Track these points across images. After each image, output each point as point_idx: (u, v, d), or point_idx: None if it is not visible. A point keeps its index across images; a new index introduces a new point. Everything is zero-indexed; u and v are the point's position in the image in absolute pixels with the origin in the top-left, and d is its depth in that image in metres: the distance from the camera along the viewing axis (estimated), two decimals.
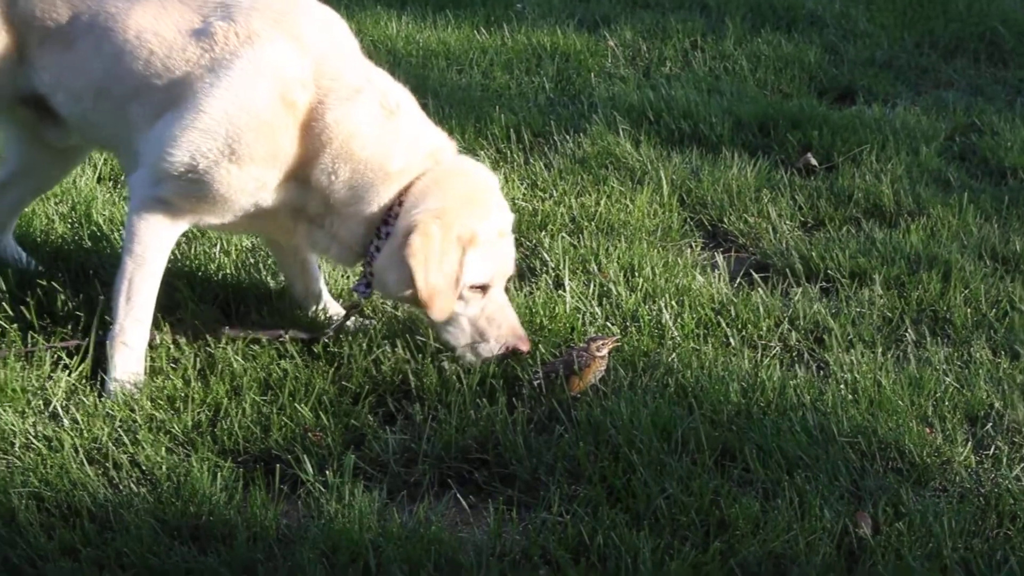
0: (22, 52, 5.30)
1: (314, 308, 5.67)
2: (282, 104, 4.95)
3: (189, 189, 4.99)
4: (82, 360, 5.15)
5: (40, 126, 5.55)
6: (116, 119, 5.20)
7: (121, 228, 6.08)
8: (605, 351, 5.20)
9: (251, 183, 4.99)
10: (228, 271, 5.94)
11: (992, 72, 9.06)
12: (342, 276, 5.97)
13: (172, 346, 5.29)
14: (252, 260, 6.04)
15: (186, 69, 5.01)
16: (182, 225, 5.19)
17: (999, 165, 7.40)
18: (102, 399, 5.00)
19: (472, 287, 5.09)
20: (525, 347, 5.23)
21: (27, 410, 4.93)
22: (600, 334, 5.42)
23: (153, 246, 5.13)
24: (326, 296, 5.71)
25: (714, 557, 4.30)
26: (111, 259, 5.80)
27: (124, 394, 5.01)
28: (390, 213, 5.03)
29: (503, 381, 5.16)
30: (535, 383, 5.15)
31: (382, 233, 5.04)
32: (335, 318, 5.62)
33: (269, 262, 5.97)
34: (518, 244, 6.18)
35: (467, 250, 5.01)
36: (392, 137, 5.05)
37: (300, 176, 5.02)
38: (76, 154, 5.94)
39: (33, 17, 5.24)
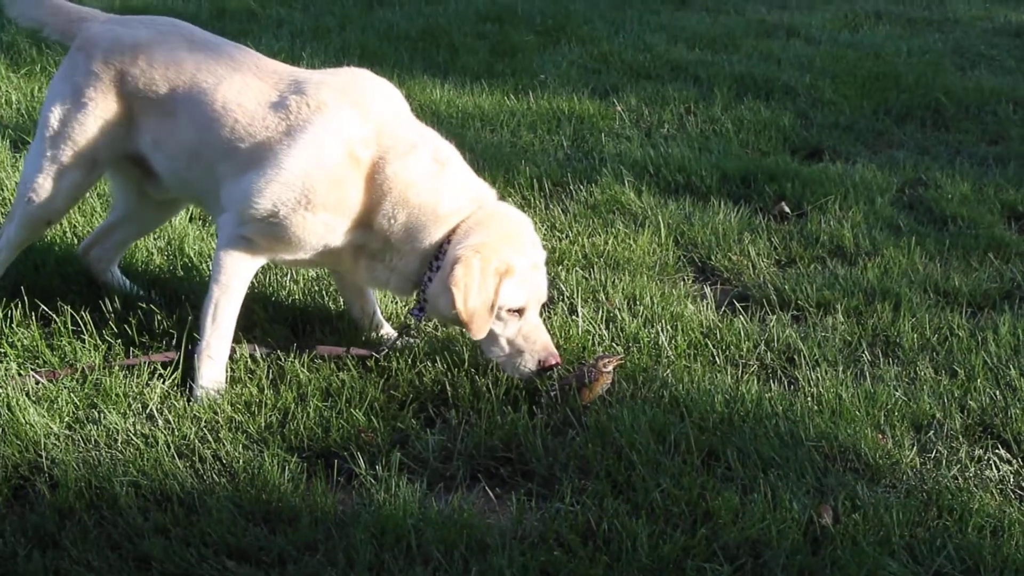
0: (130, 118, 5.33)
1: (369, 328, 5.66)
2: (349, 160, 4.99)
3: (269, 231, 5.03)
4: (174, 371, 5.15)
5: (143, 181, 5.58)
6: (206, 177, 5.24)
7: (208, 260, 6.09)
8: (611, 367, 5.20)
9: (322, 227, 5.02)
10: (297, 297, 5.94)
11: (936, 135, 9.01)
12: (392, 302, 5.95)
13: (249, 359, 5.28)
14: (317, 288, 6.04)
15: (266, 135, 5.05)
16: (260, 260, 5.22)
17: (942, 213, 7.35)
18: (190, 403, 5.01)
19: (509, 310, 5.09)
20: (556, 361, 5.18)
21: (128, 412, 4.94)
22: (606, 353, 5.39)
23: (236, 276, 5.15)
24: (380, 318, 5.70)
25: (700, 541, 4.28)
26: (200, 286, 5.79)
27: (208, 399, 5.01)
28: (441, 249, 5.06)
29: (525, 392, 5.15)
30: (552, 394, 5.13)
31: (434, 266, 5.06)
32: (387, 337, 5.61)
33: (331, 289, 5.96)
34: None
35: (503, 279, 5.00)
36: (441, 185, 5.08)
37: (364, 222, 5.04)
38: (173, 206, 6.00)
39: (138, 90, 5.28)
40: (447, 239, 5.07)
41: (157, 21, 5.61)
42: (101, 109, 5.32)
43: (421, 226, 5.05)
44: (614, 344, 5.60)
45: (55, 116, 5.37)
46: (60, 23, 5.54)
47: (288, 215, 4.98)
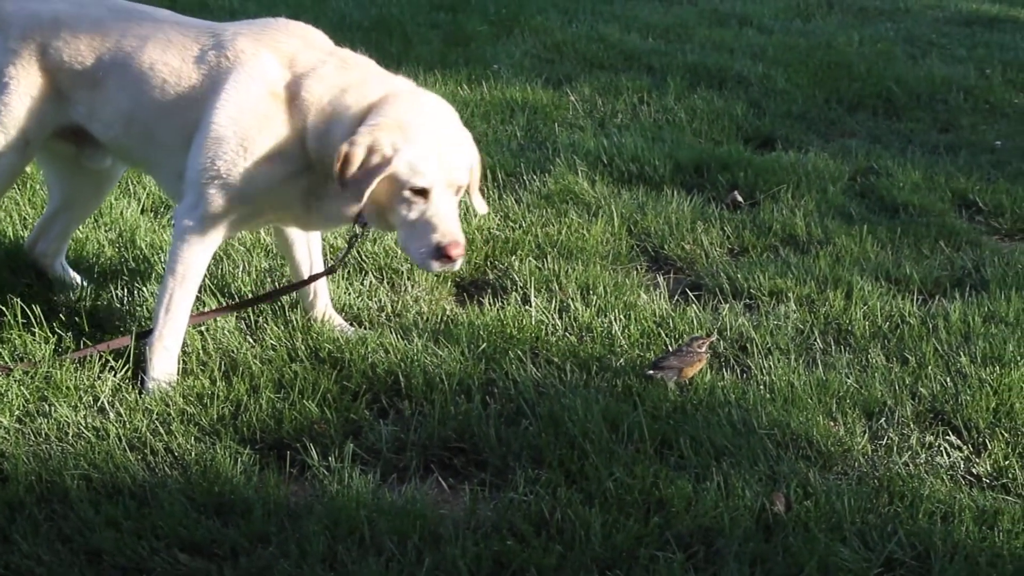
0: (58, 91, 5.27)
1: (318, 309, 5.64)
2: (270, 98, 4.94)
3: (221, 194, 4.96)
4: (126, 363, 5.13)
5: (79, 154, 5.53)
6: (145, 141, 5.22)
7: (160, 252, 6.05)
8: (705, 347, 5.27)
9: (266, 173, 4.95)
10: (249, 289, 5.91)
11: (887, 124, 9.07)
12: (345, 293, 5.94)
13: (201, 351, 5.26)
14: (270, 280, 6.01)
15: (193, 92, 5.04)
16: (214, 244, 5.17)
17: (893, 202, 7.40)
18: (142, 395, 4.98)
19: (412, 190, 4.80)
20: (454, 251, 4.79)
21: (79, 405, 4.90)
22: (698, 334, 5.47)
23: (191, 266, 5.11)
24: (329, 304, 5.69)
25: (653, 530, 4.29)
26: (151, 278, 5.77)
27: (160, 391, 4.99)
28: None
29: (479, 382, 5.14)
30: (647, 374, 5.17)
31: None
32: (338, 326, 5.59)
33: (283, 281, 5.94)
34: (492, 266, 6.20)
35: (392, 156, 4.74)
36: (348, 80, 4.96)
37: (302, 156, 4.95)
38: (110, 178, 5.91)
39: (63, 62, 5.23)
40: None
41: None
42: (25, 86, 5.26)
43: (340, 128, 4.86)
44: (567, 333, 5.60)
45: None
46: None
47: (229, 169, 4.92)
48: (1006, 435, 4.95)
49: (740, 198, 7.40)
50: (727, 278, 6.24)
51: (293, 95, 4.96)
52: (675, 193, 7.35)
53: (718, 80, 9.89)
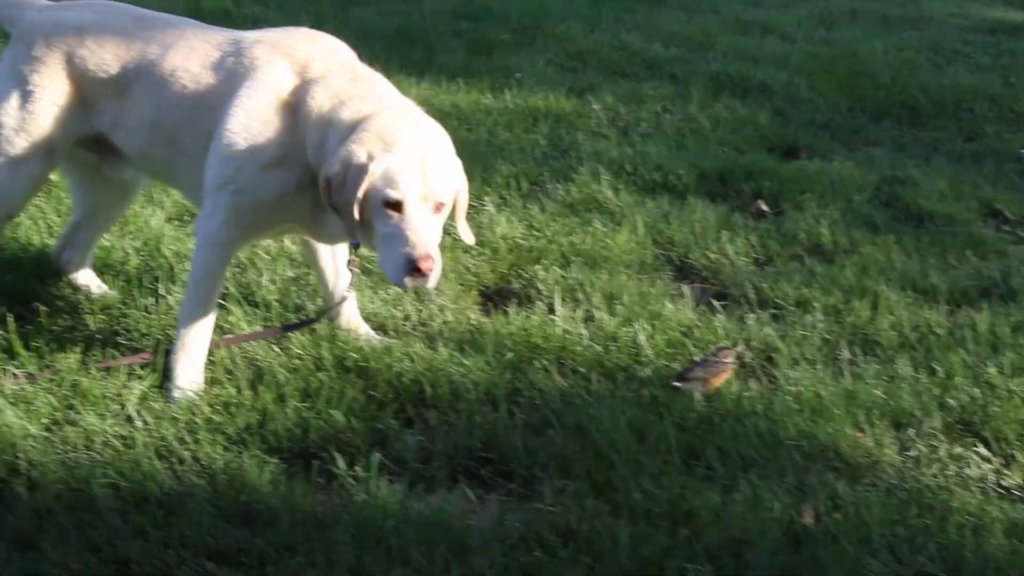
0: (83, 99, 5.29)
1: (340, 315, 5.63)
2: (279, 105, 4.93)
3: (235, 201, 4.98)
4: (152, 372, 5.13)
5: (101, 163, 5.54)
6: (168, 149, 5.23)
7: (186, 260, 6.05)
8: (731, 358, 5.26)
9: (275, 180, 4.95)
10: (275, 298, 5.90)
11: (912, 133, 9.04)
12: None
13: (227, 360, 5.26)
14: (295, 288, 6.01)
15: (211, 98, 5.04)
16: (233, 251, 5.24)
17: (918, 211, 7.38)
18: (169, 404, 4.98)
19: (386, 203, 4.67)
20: (424, 263, 4.63)
21: (106, 413, 4.91)
22: (723, 345, 5.47)
23: (211, 274, 5.13)
24: (355, 308, 5.68)
25: (681, 542, 4.28)
26: (178, 286, 5.78)
27: (186, 400, 4.99)
28: None
29: (505, 392, 5.13)
30: (674, 385, 5.16)
31: None
32: (364, 334, 5.59)
33: (309, 289, 5.94)
34: (517, 275, 6.19)
35: (367, 172, 4.66)
36: (349, 94, 4.90)
37: (306, 163, 4.92)
38: (132, 187, 5.92)
39: (88, 71, 5.25)
40: None
41: (98, 3, 5.58)
42: (50, 94, 5.28)
43: (331, 141, 4.82)
44: (593, 343, 5.58)
45: (3, 110, 5.31)
46: (1, 6, 5.47)
47: (239, 176, 4.93)
48: None
49: (765, 207, 7.38)
50: (752, 287, 6.23)
51: (299, 101, 4.95)
52: (699, 202, 7.34)
53: (742, 89, 9.88)
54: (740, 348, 5.49)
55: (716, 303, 6.10)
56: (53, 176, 6.82)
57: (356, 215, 4.70)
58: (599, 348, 5.56)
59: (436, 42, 10.88)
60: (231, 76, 5.04)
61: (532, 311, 5.86)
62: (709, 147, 8.40)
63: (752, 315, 5.95)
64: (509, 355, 5.40)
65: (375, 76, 5.13)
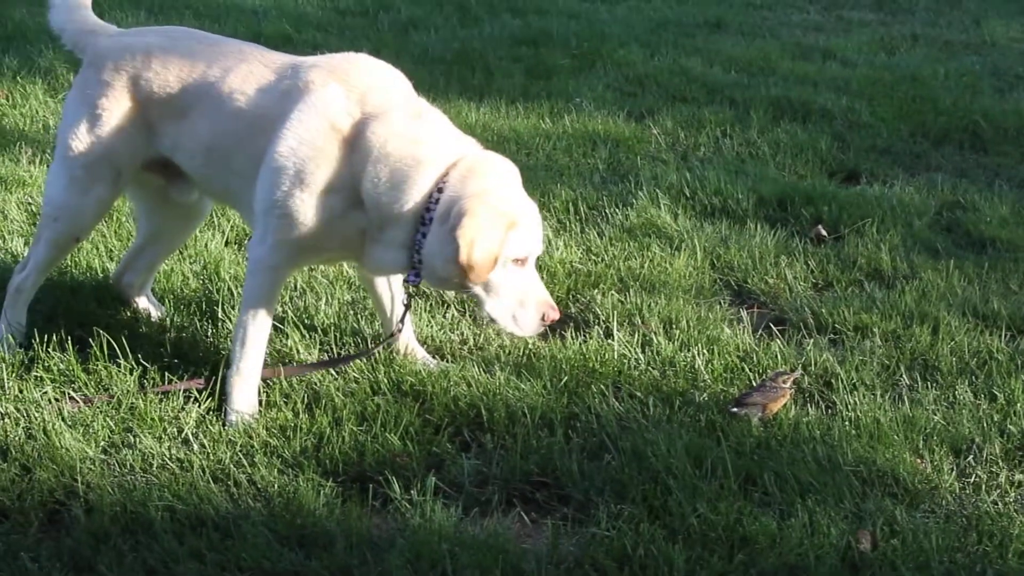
0: (147, 123, 5.35)
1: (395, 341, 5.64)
2: (331, 132, 4.95)
3: (282, 225, 4.99)
4: (209, 395, 5.16)
5: (168, 187, 5.59)
6: (225, 171, 5.27)
7: (243, 284, 6.09)
8: (789, 383, 5.25)
9: (321, 207, 4.96)
10: (332, 321, 5.92)
11: (974, 158, 8.98)
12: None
13: (284, 383, 5.28)
14: (352, 312, 6.03)
15: (265, 121, 5.05)
16: (284, 275, 5.30)
17: (980, 237, 7.32)
18: (225, 428, 5.01)
19: (514, 260, 4.94)
20: (557, 315, 5.08)
21: (163, 436, 4.94)
22: (782, 370, 5.45)
23: (263, 297, 5.16)
24: (410, 335, 5.69)
25: (738, 567, 4.27)
26: (236, 310, 5.80)
27: (243, 423, 5.01)
28: (431, 201, 4.90)
29: (561, 416, 5.13)
30: (731, 411, 5.15)
31: (426, 220, 4.91)
32: (416, 354, 5.62)
33: (366, 313, 5.96)
34: (574, 300, 6.20)
35: (510, 229, 4.88)
36: (419, 133, 4.96)
37: (357, 195, 4.96)
38: (198, 212, 5.96)
39: (153, 93, 5.31)
40: (435, 190, 4.90)
41: (167, 29, 5.71)
42: (117, 118, 5.35)
43: (404, 178, 4.89)
44: (650, 368, 5.57)
45: (73, 133, 5.38)
46: (75, 34, 5.55)
47: (287, 200, 4.95)
48: None
49: (824, 232, 7.35)
50: (811, 312, 6.20)
51: (357, 133, 4.95)
52: (758, 227, 7.31)
53: (802, 113, 9.83)
54: (798, 373, 5.46)
55: (774, 328, 6.08)
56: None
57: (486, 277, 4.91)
58: (656, 373, 5.55)
59: (495, 67, 10.90)
60: (284, 98, 5.07)
61: (589, 336, 5.85)
62: (769, 172, 8.37)
63: (811, 340, 5.92)
64: (565, 379, 5.40)
65: (436, 113, 5.16)
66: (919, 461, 4.94)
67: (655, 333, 5.88)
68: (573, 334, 5.87)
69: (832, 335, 6.04)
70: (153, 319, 5.87)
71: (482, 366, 5.54)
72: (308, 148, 4.94)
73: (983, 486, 4.82)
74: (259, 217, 5.08)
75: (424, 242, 4.92)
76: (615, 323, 5.95)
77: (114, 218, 6.86)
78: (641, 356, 5.68)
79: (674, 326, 5.98)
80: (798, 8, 14.51)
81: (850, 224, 7.40)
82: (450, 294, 6.03)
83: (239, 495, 4.61)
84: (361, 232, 5.04)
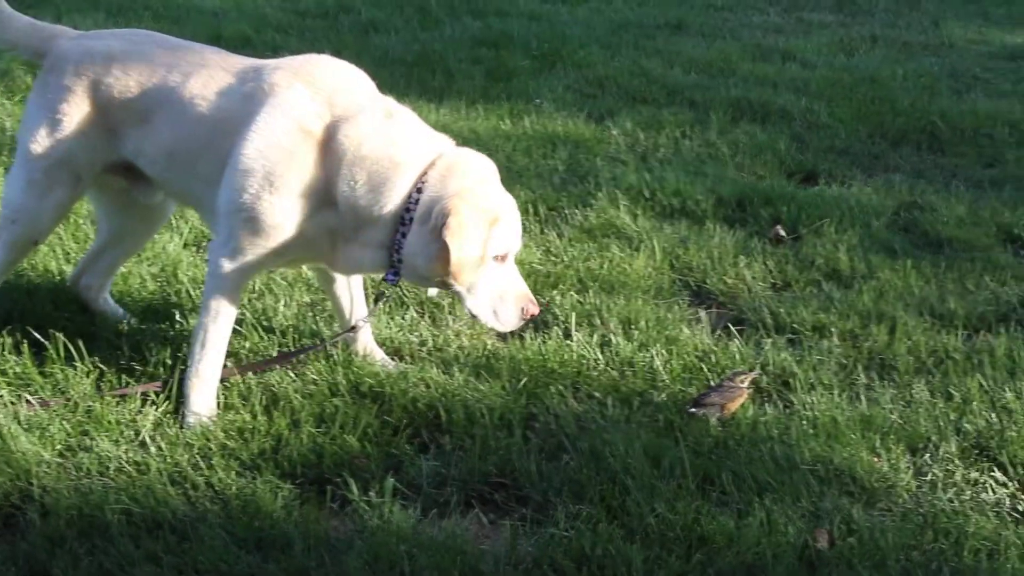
0: (108, 127, 5.31)
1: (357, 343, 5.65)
2: (300, 134, 4.92)
3: (248, 227, 4.95)
4: (167, 398, 5.14)
5: (131, 189, 5.55)
6: (186, 175, 5.23)
7: (202, 287, 6.06)
8: (747, 383, 5.26)
9: (291, 210, 4.93)
10: (290, 323, 5.91)
11: (932, 158, 9.02)
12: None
13: (242, 385, 5.27)
14: (311, 314, 6.02)
15: (228, 124, 5.02)
16: (246, 278, 5.22)
17: (937, 236, 7.36)
18: (183, 430, 4.99)
19: (495, 257, 4.99)
20: (536, 310, 5.12)
21: (120, 439, 4.92)
22: (740, 369, 5.47)
23: (224, 300, 5.12)
24: (368, 334, 5.70)
25: (695, 567, 4.28)
26: (194, 312, 5.78)
27: (200, 426, 4.99)
28: (409, 202, 4.90)
29: (520, 417, 5.13)
30: (689, 411, 5.15)
31: (405, 220, 4.91)
32: (375, 356, 5.63)
33: (325, 315, 5.95)
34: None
35: (492, 226, 4.92)
36: (393, 133, 4.96)
37: (329, 198, 4.94)
38: (159, 213, 5.91)
39: (114, 98, 5.27)
40: (415, 190, 4.92)
41: (129, 32, 5.66)
42: (78, 122, 5.30)
43: (383, 180, 4.89)
44: (609, 368, 5.58)
45: (33, 136, 5.34)
46: (32, 42, 5.48)
47: (254, 203, 4.90)
48: None
49: (783, 232, 7.37)
50: (769, 312, 6.22)
51: (328, 137, 4.93)
52: (717, 227, 7.33)
53: (761, 115, 9.86)
54: (756, 373, 5.47)
55: (733, 328, 6.10)
56: None
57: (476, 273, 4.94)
58: (615, 373, 5.55)
59: (455, 68, 10.89)
60: (248, 101, 5.03)
61: (548, 336, 5.85)
62: (728, 172, 8.40)
63: (769, 340, 5.94)
64: (524, 380, 5.40)
65: (407, 112, 5.16)
66: (876, 460, 4.96)
67: (614, 333, 5.88)
68: (532, 335, 5.86)
69: (790, 335, 6.06)
70: (111, 321, 5.83)
71: (441, 367, 5.53)
72: (276, 150, 4.91)
73: (939, 484, 4.84)
74: (223, 219, 5.03)
75: (404, 242, 4.92)
76: (574, 324, 5.95)
77: (71, 220, 6.82)
78: (600, 356, 5.69)
79: (633, 326, 5.98)
80: (758, 10, 14.58)
81: (808, 224, 7.42)
82: (425, 292, 5.98)
83: (196, 498, 4.58)
84: (330, 234, 5.02)
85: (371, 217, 4.93)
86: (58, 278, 6.19)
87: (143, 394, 5.16)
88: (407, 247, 4.93)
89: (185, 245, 6.74)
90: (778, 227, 7.42)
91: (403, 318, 6.02)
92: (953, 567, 4.32)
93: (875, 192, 8.09)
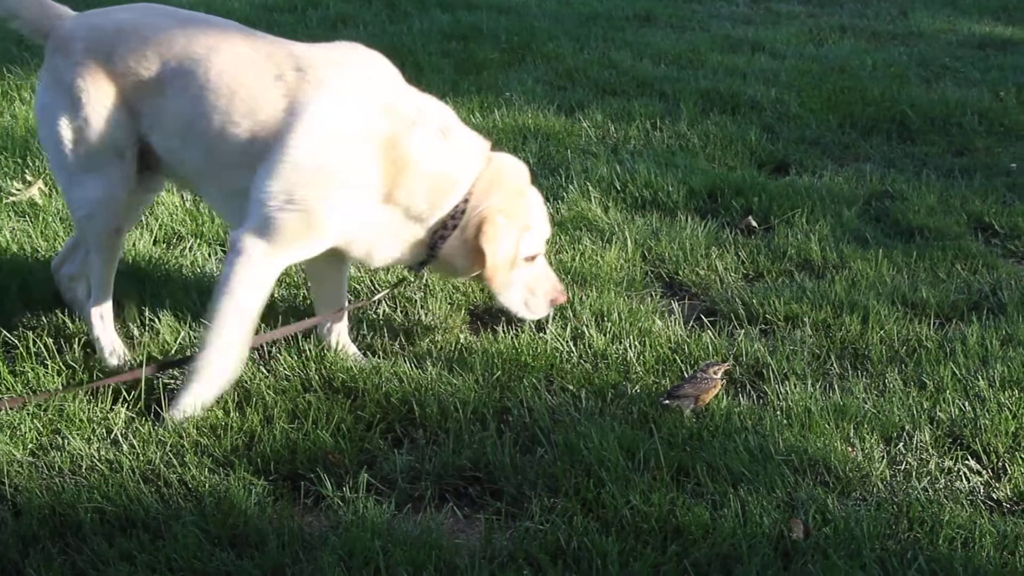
0: (126, 101, 5.21)
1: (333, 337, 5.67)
2: (361, 136, 4.95)
3: (297, 222, 4.92)
4: (138, 398, 5.11)
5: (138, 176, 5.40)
6: (201, 152, 5.12)
7: (170, 283, 6.03)
8: (720, 373, 5.30)
9: (346, 207, 4.99)
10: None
11: (902, 148, 9.03)
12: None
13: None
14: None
15: (267, 113, 4.96)
16: (279, 271, 5.12)
17: (908, 225, 7.37)
18: (171, 413, 4.98)
19: (525, 259, 5.38)
20: (564, 299, 5.59)
21: (92, 437, 4.89)
22: (712, 361, 5.50)
23: (254, 290, 5.04)
24: (342, 329, 5.73)
25: (671, 558, 4.27)
26: (168, 307, 5.76)
27: (185, 416, 4.98)
28: (456, 211, 5.17)
29: (494, 410, 5.12)
30: (663, 403, 5.18)
31: (448, 226, 5.18)
32: (348, 350, 5.65)
33: (305, 303, 5.94)
34: None
35: (523, 234, 5.28)
36: (452, 152, 5.14)
37: (385, 198, 5.04)
38: (140, 205, 5.73)
39: (129, 70, 5.16)
40: (462, 201, 5.17)
41: (138, 5, 5.51)
42: (100, 97, 5.18)
43: (440, 194, 5.12)
44: (582, 361, 5.58)
45: (59, 126, 5.22)
46: (35, 17, 5.34)
47: (307, 198, 4.88)
48: None
49: (754, 223, 7.37)
50: (742, 303, 6.22)
51: (390, 146, 4.96)
52: (689, 219, 7.33)
53: (731, 105, 9.86)
54: (729, 363, 5.48)
55: (706, 319, 6.10)
56: (39, 200, 6.85)
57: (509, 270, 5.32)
58: (588, 366, 5.55)
59: (425, 62, 10.86)
60: (294, 92, 4.97)
61: (521, 329, 5.85)
62: (699, 164, 8.39)
63: (741, 331, 5.95)
64: (498, 374, 5.40)
65: (450, 118, 5.30)
66: (850, 449, 4.97)
67: (587, 326, 5.88)
68: (505, 328, 5.86)
69: (763, 325, 6.06)
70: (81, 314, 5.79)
71: (414, 362, 5.52)
72: (337, 147, 4.92)
73: (913, 473, 4.85)
74: (260, 207, 4.91)
75: (443, 244, 5.22)
76: (547, 316, 5.94)
77: (40, 218, 6.79)
78: (573, 349, 5.69)
79: (606, 319, 5.98)
80: (727, 1, 14.58)
81: (780, 215, 7.43)
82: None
83: (170, 495, 4.57)
84: (376, 229, 5.12)
85: (420, 220, 5.17)
86: (26, 277, 6.14)
87: (115, 393, 5.13)
88: (446, 248, 5.23)
89: (155, 242, 6.70)
90: (750, 218, 7.43)
91: (375, 313, 6.00)
92: (928, 555, 4.32)
93: (846, 182, 8.10)
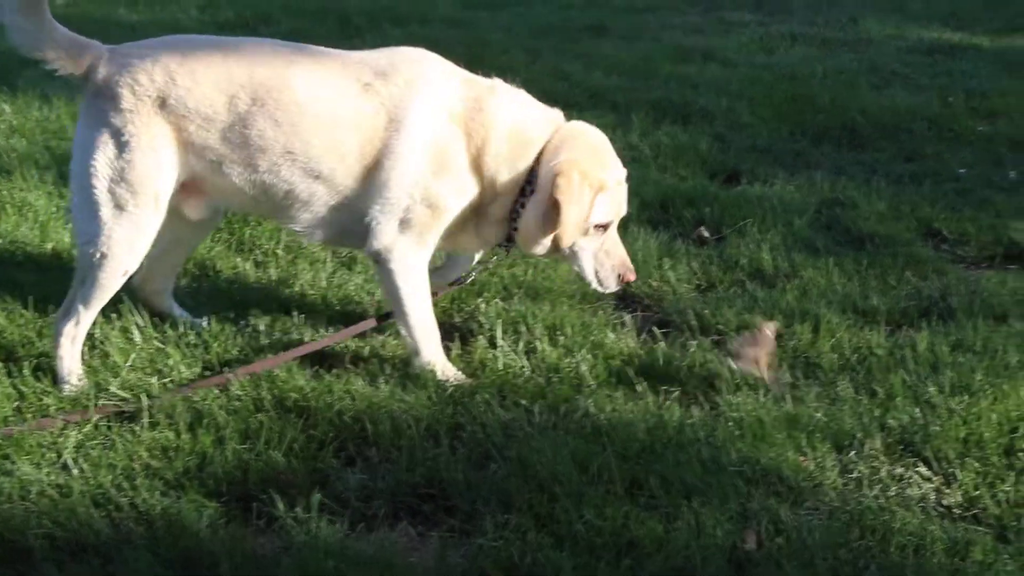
0: (183, 141, 5.27)
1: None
2: (450, 120, 5.39)
3: (428, 213, 5.39)
4: (86, 422, 5.08)
5: (181, 206, 5.48)
6: (301, 176, 5.35)
7: (119, 304, 5.99)
8: (773, 332, 5.68)
9: (462, 188, 5.45)
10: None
11: (852, 155, 9.08)
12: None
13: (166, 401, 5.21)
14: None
15: (367, 123, 5.31)
16: (429, 250, 5.58)
17: (858, 232, 7.40)
18: (105, 451, 4.93)
19: (596, 226, 5.54)
20: (633, 277, 5.74)
21: (42, 462, 4.85)
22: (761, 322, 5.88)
23: (423, 280, 5.56)
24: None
25: (625, 572, 4.28)
26: (116, 333, 5.72)
27: (455, 377, 5.51)
28: (531, 174, 5.45)
29: (447, 427, 5.10)
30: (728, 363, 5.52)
31: (526, 192, 5.48)
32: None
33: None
34: (458, 309, 6.17)
35: (597, 194, 5.47)
36: (525, 112, 5.56)
37: (479, 170, 5.44)
38: (208, 226, 6.00)
39: (188, 109, 5.21)
40: (536, 163, 5.45)
41: (167, 41, 5.50)
42: (148, 141, 5.19)
43: (518, 155, 5.43)
44: (535, 375, 5.57)
45: (97, 162, 5.19)
46: (71, 58, 5.28)
47: (427, 190, 5.34)
48: (976, 465, 4.93)
49: (706, 233, 7.39)
50: (695, 314, 6.22)
51: (471, 116, 5.40)
52: (641, 229, 7.33)
53: (683, 115, 9.89)
54: (776, 323, 5.83)
55: (658, 331, 6.10)
56: None
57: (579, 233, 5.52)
58: (541, 380, 5.54)
59: None
60: (388, 99, 5.32)
61: (475, 344, 5.83)
62: (650, 174, 8.39)
63: (694, 342, 5.95)
64: (451, 390, 5.38)
65: (519, 88, 5.71)
66: (802, 459, 4.97)
67: (539, 340, 5.86)
68: (458, 343, 5.85)
69: (715, 336, 6.07)
70: (179, 323, 5.91)
71: (366, 379, 5.50)
72: (436, 141, 5.35)
73: (865, 481, 4.86)
74: (391, 217, 5.38)
75: (523, 212, 5.50)
76: (500, 331, 5.92)
77: None
78: (526, 363, 5.68)
79: (558, 332, 5.97)
80: (679, 11, 14.66)
81: (732, 224, 7.45)
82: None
83: (121, 519, 4.53)
84: (473, 210, 5.53)
85: (500, 190, 5.49)
86: None
87: (64, 418, 5.09)
88: (524, 215, 5.51)
89: None
90: (702, 228, 7.44)
91: (327, 329, 5.97)
92: (880, 563, 4.34)
93: (797, 190, 8.13)
